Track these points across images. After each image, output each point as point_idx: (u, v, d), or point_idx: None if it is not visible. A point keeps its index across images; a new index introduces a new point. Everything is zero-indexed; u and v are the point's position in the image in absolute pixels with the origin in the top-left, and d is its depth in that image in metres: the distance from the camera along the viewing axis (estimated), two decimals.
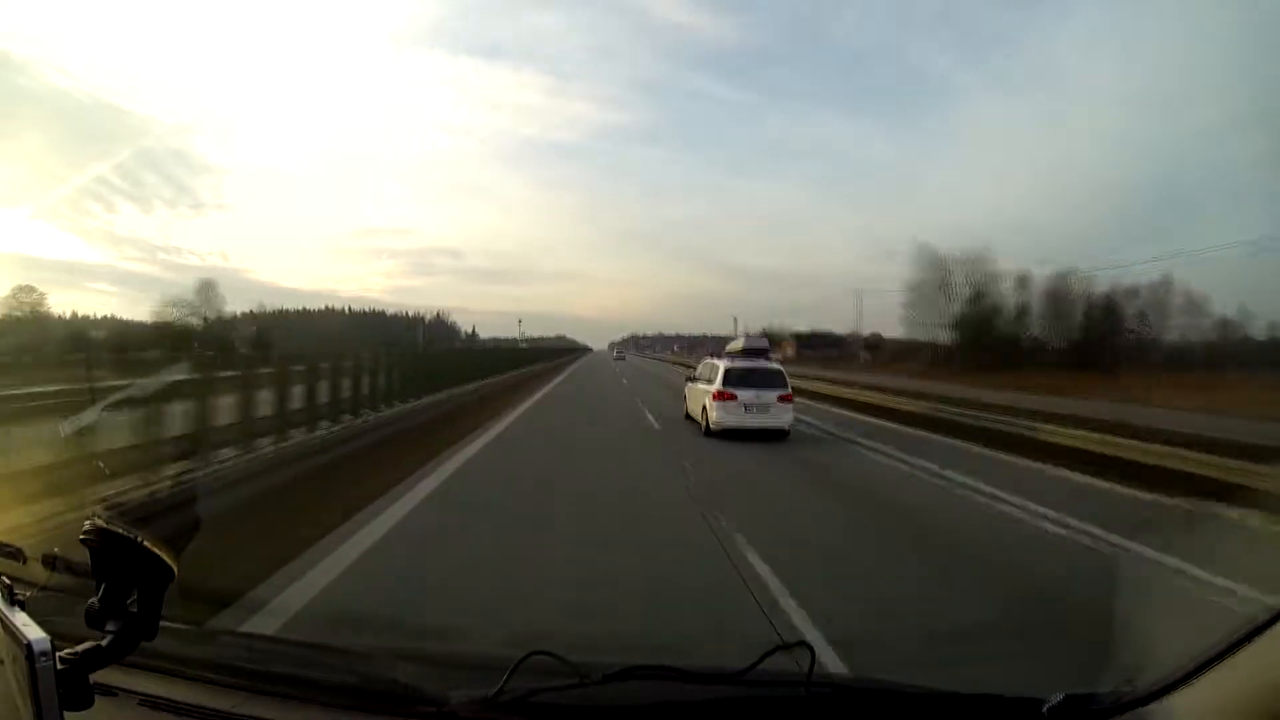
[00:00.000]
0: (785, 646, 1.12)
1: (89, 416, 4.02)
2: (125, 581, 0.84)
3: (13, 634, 0.78)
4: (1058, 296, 42.73)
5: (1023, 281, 43.70)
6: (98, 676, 0.84)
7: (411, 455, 8.45)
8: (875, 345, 64.94)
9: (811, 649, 1.11)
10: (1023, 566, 4.90)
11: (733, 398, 10.93)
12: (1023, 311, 43.90)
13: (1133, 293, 41.13)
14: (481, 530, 5.43)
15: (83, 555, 0.86)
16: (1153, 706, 1.02)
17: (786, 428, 11.20)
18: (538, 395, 19.97)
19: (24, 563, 1.09)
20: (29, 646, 0.74)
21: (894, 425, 13.93)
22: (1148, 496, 7.43)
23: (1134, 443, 9.20)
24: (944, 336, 46.22)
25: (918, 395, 17.25)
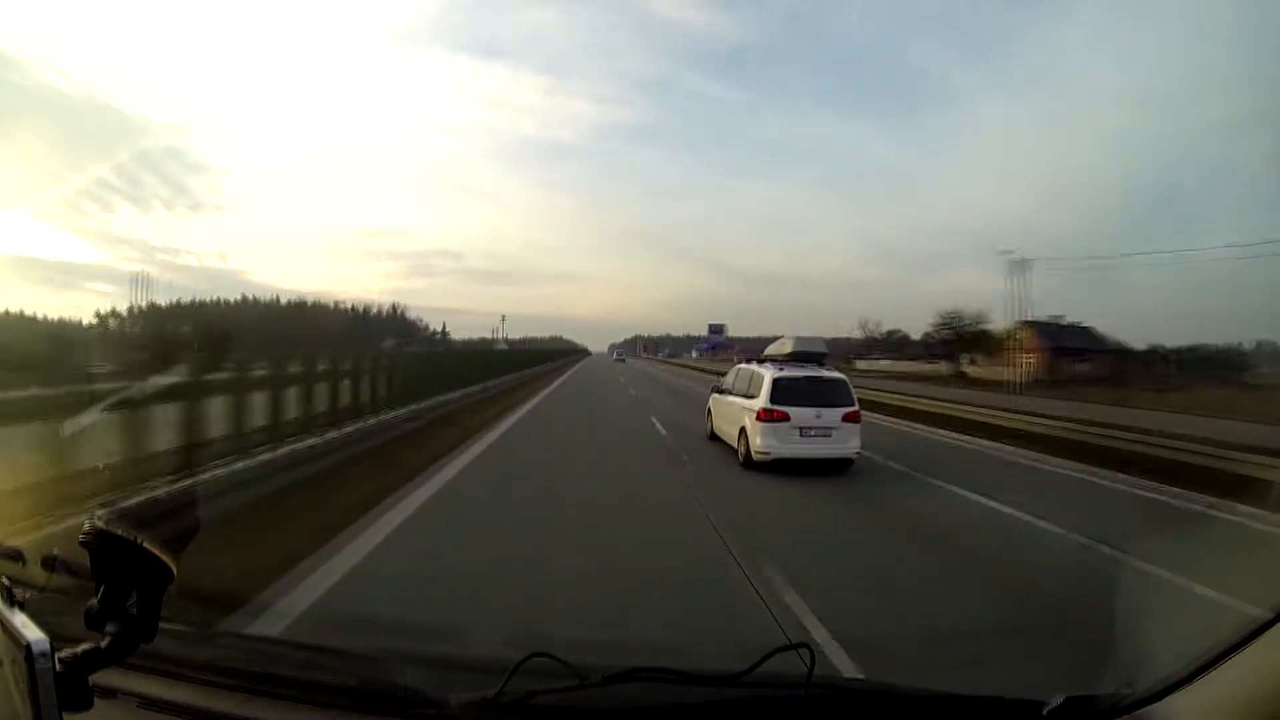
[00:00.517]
0: (786, 648, 1.12)
1: None
2: (124, 583, 0.84)
3: (12, 635, 0.78)
4: None
5: None
6: (97, 678, 0.84)
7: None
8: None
9: (812, 651, 1.11)
10: None
11: (784, 417, 8.39)
12: None
13: None
14: None
15: (82, 557, 0.86)
16: (1153, 708, 1.02)
17: (853, 455, 8.66)
18: (496, 432, 12.12)
19: (24, 564, 1.09)
20: (28, 647, 0.74)
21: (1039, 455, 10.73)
22: None
23: None
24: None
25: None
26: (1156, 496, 7.94)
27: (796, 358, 9.45)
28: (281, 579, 4.15)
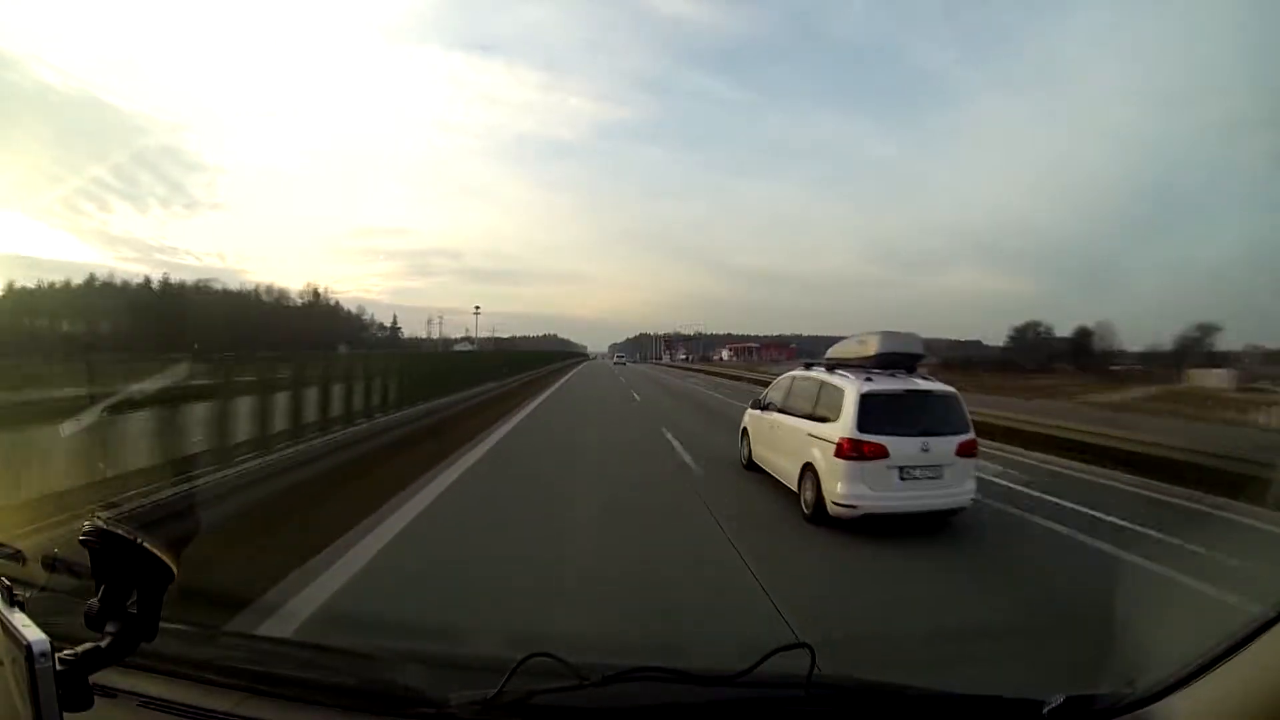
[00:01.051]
0: (785, 648, 1.12)
1: None
2: (125, 583, 0.84)
3: (12, 635, 0.78)
4: None
5: None
6: (97, 677, 0.84)
7: None
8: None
9: (812, 650, 1.11)
10: None
11: (878, 453, 5.60)
12: None
13: None
14: None
15: (82, 557, 0.86)
16: (1153, 708, 1.02)
17: (967, 504, 5.83)
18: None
19: (24, 564, 1.09)
20: (29, 648, 0.74)
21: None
22: None
23: None
24: None
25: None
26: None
27: (883, 361, 6.28)
28: None
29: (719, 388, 27.89)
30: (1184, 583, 4.42)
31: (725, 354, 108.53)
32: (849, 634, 3.47)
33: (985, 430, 9.23)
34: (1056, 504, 6.93)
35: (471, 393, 15.71)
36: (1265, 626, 0.95)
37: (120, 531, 0.83)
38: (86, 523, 0.84)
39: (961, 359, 50.89)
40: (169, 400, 5.43)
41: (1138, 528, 6.06)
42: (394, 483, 7.05)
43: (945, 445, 5.70)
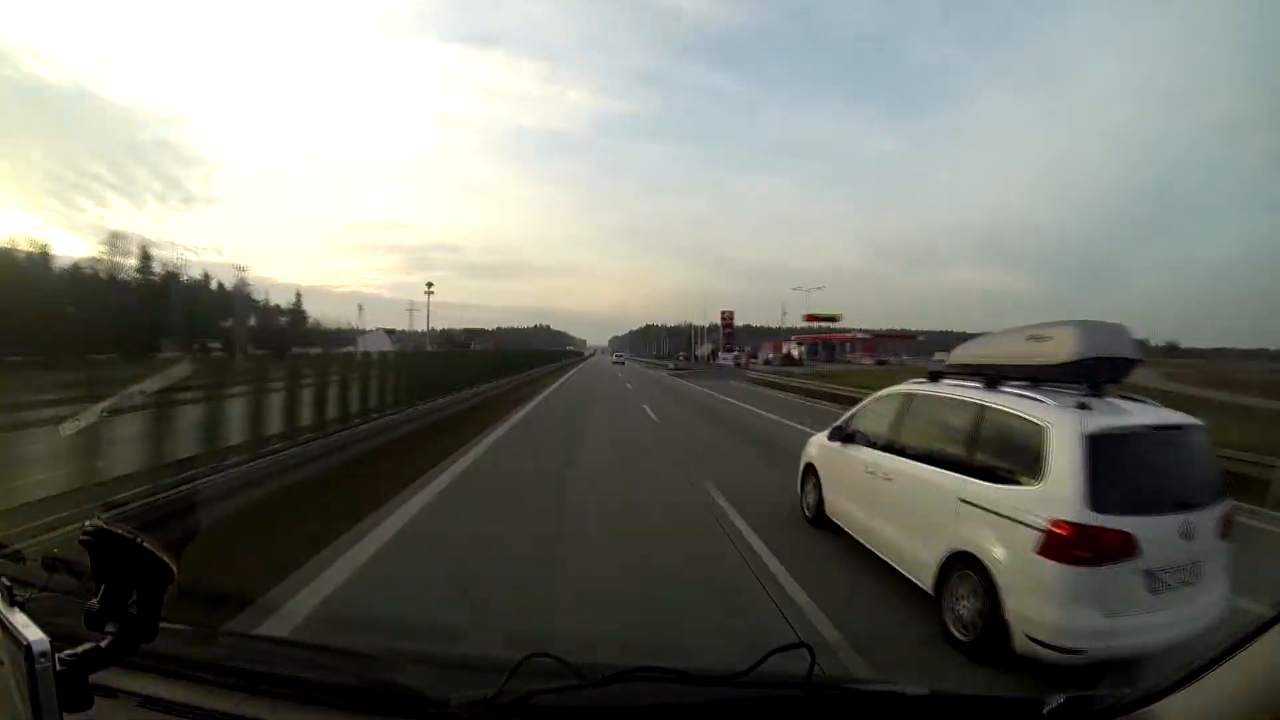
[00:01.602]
0: (786, 648, 1.12)
1: None
2: (125, 583, 0.84)
3: (12, 635, 0.78)
4: None
5: None
6: (97, 677, 0.84)
7: None
8: None
9: (811, 650, 1.11)
10: None
11: (1125, 549, 3.05)
12: None
13: None
14: None
15: (82, 557, 0.86)
16: (1153, 708, 1.03)
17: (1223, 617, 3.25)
18: None
19: (24, 564, 1.09)
20: (28, 648, 0.74)
21: None
22: None
23: None
24: None
25: None
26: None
27: (1082, 373, 3.68)
28: None
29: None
30: None
31: (793, 349, 70.25)
32: (849, 634, 3.47)
33: None
34: None
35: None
36: (1265, 627, 0.96)
37: (120, 531, 0.83)
38: (87, 522, 0.84)
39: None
40: None
41: None
42: None
43: (1207, 523, 3.30)
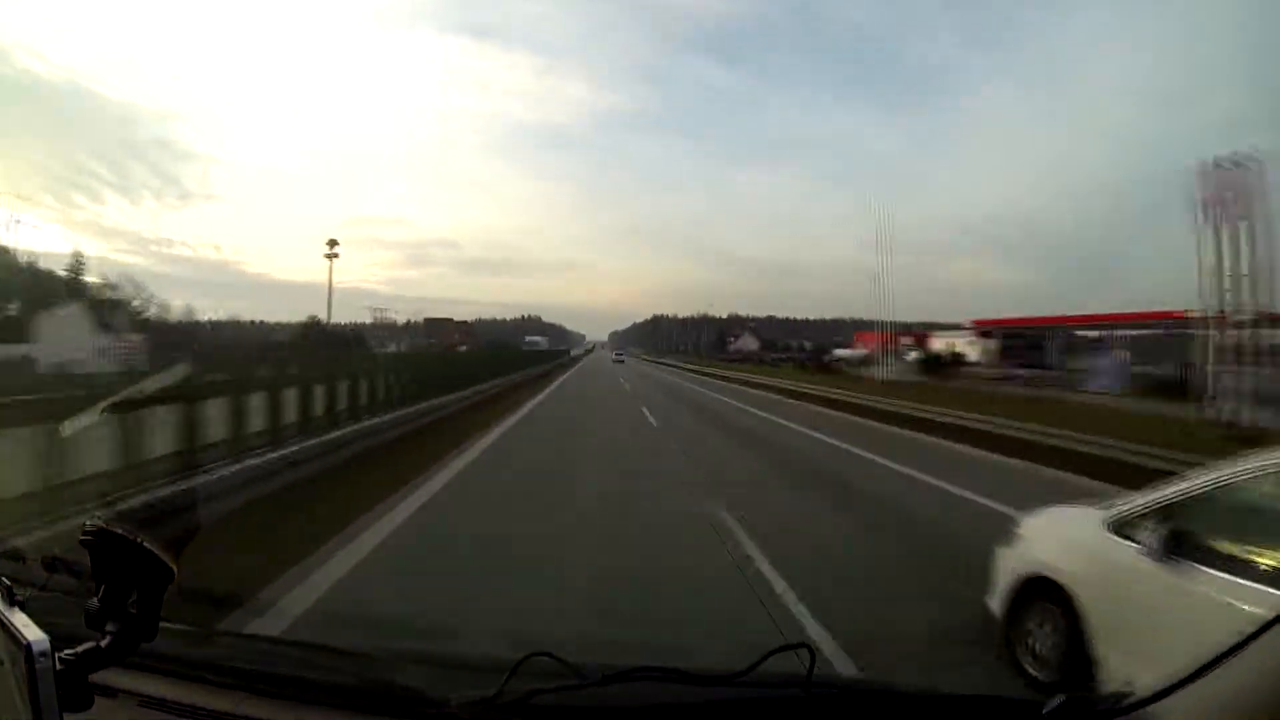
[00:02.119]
0: (786, 648, 1.12)
1: None
2: (125, 582, 0.84)
3: (12, 635, 0.78)
4: None
5: None
6: (97, 677, 0.84)
7: None
8: None
9: (812, 650, 1.11)
10: None
11: None
12: None
13: None
14: None
15: (82, 557, 0.86)
16: (1153, 708, 1.03)
17: None
18: None
19: (24, 563, 1.09)
20: (28, 647, 0.74)
21: None
22: None
23: None
24: None
25: None
26: None
27: None
28: None
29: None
30: None
31: (856, 351, 52.60)
32: (849, 634, 3.48)
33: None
34: None
35: None
36: (1265, 627, 0.96)
37: (120, 531, 0.83)
38: (87, 522, 0.84)
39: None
40: None
41: None
42: None
43: None
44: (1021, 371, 36.08)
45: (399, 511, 6.19)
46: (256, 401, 7.21)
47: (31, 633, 0.75)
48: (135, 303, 48.30)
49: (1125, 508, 2.88)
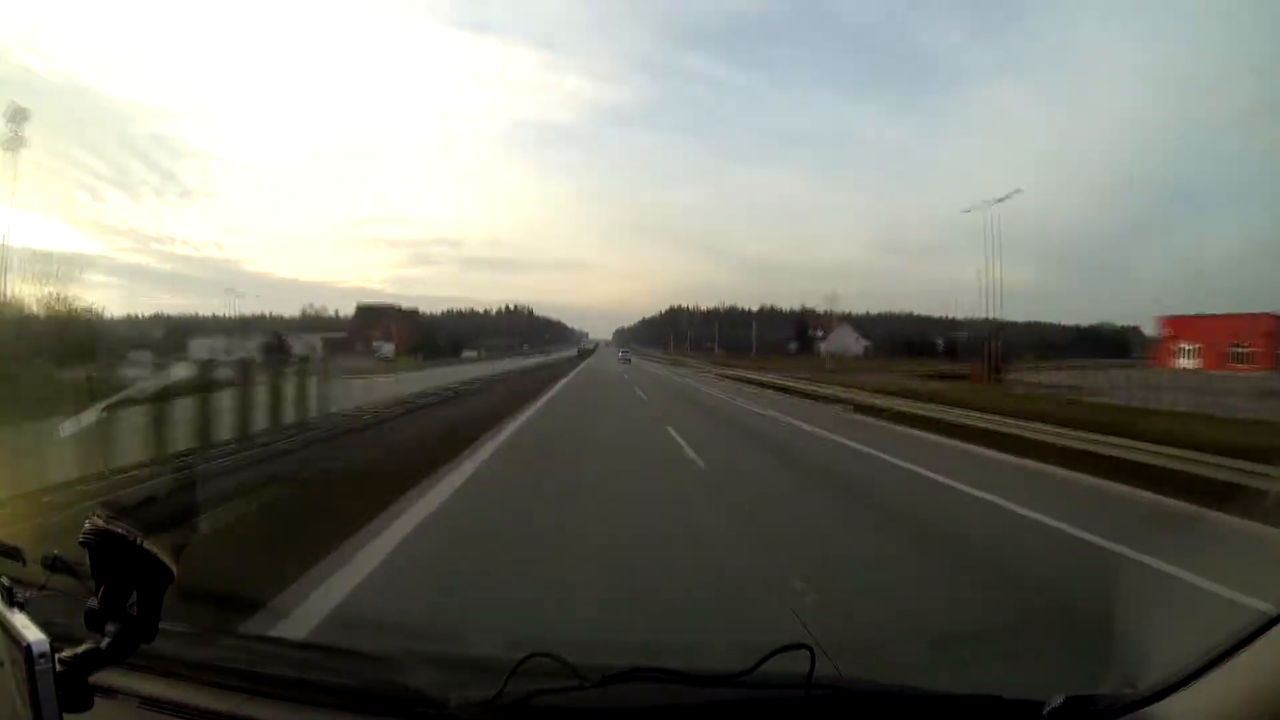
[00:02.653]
0: (786, 648, 1.12)
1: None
2: (125, 583, 0.84)
3: (12, 635, 0.78)
4: None
5: None
6: (97, 678, 0.84)
7: None
8: None
9: (812, 651, 1.11)
10: None
11: None
12: None
13: None
14: None
15: (82, 557, 0.86)
16: (1153, 708, 1.02)
17: None
18: None
19: (24, 564, 1.09)
20: (28, 648, 0.74)
21: None
22: None
23: None
24: None
25: None
26: None
27: None
28: None
29: None
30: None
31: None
32: (849, 634, 3.47)
33: None
34: None
35: None
36: (1265, 627, 0.95)
37: (120, 531, 0.83)
38: (87, 522, 0.84)
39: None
40: None
41: None
42: None
43: None
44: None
45: None
46: None
47: (31, 633, 0.75)
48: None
49: None
